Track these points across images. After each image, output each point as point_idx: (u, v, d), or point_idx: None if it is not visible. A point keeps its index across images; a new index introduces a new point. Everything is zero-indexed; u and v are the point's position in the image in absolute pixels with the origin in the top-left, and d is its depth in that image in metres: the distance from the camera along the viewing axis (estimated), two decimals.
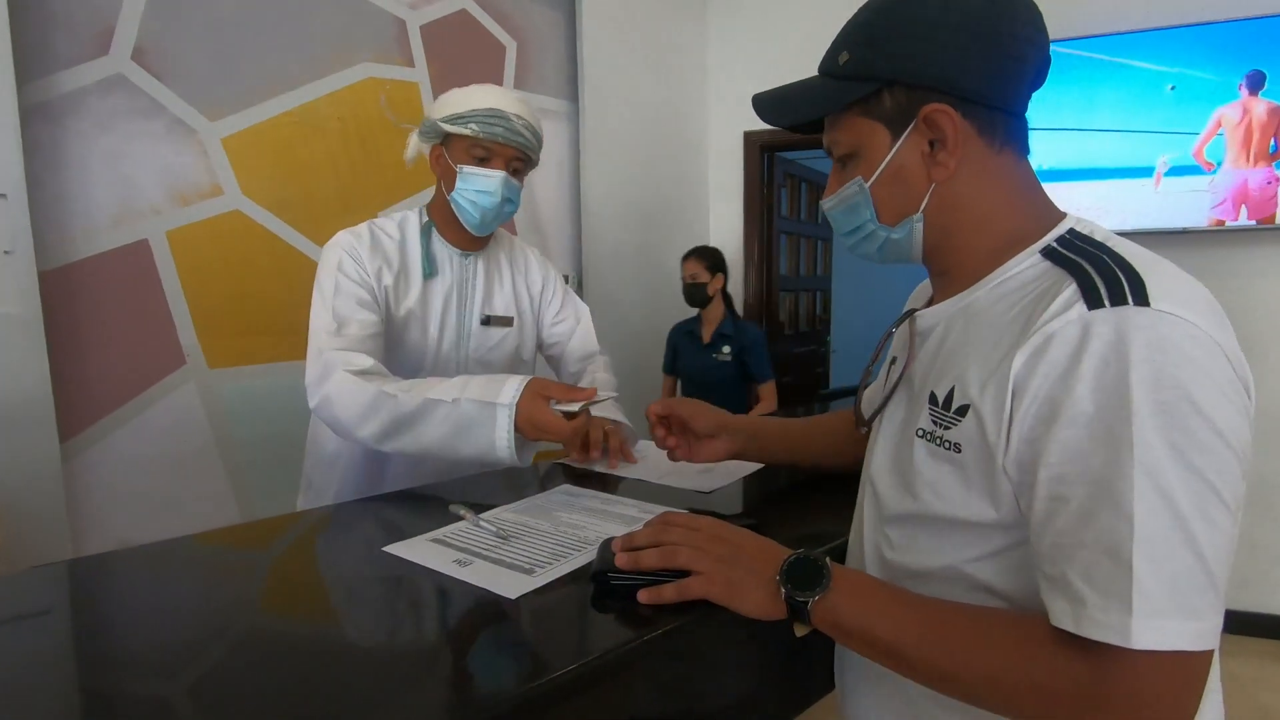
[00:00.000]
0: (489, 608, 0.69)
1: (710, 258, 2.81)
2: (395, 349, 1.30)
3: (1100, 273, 0.55)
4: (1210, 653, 0.50)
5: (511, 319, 1.44)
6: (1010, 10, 0.62)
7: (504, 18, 2.69)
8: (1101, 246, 0.58)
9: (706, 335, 2.85)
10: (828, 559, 0.63)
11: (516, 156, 1.27)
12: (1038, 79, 0.65)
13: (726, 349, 2.79)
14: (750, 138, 3.44)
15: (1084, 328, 0.52)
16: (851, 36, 0.66)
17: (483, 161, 1.25)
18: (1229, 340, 0.53)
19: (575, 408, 1.04)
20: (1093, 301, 0.53)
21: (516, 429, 1.03)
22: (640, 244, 3.21)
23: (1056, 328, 0.53)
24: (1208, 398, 0.50)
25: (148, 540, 0.90)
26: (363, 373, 1.14)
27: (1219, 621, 0.50)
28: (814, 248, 4.04)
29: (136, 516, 1.88)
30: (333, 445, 1.32)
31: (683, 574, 0.68)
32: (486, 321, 1.40)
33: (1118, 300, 0.52)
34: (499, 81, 2.69)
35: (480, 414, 1.04)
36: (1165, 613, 0.48)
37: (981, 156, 0.64)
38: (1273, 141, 2.47)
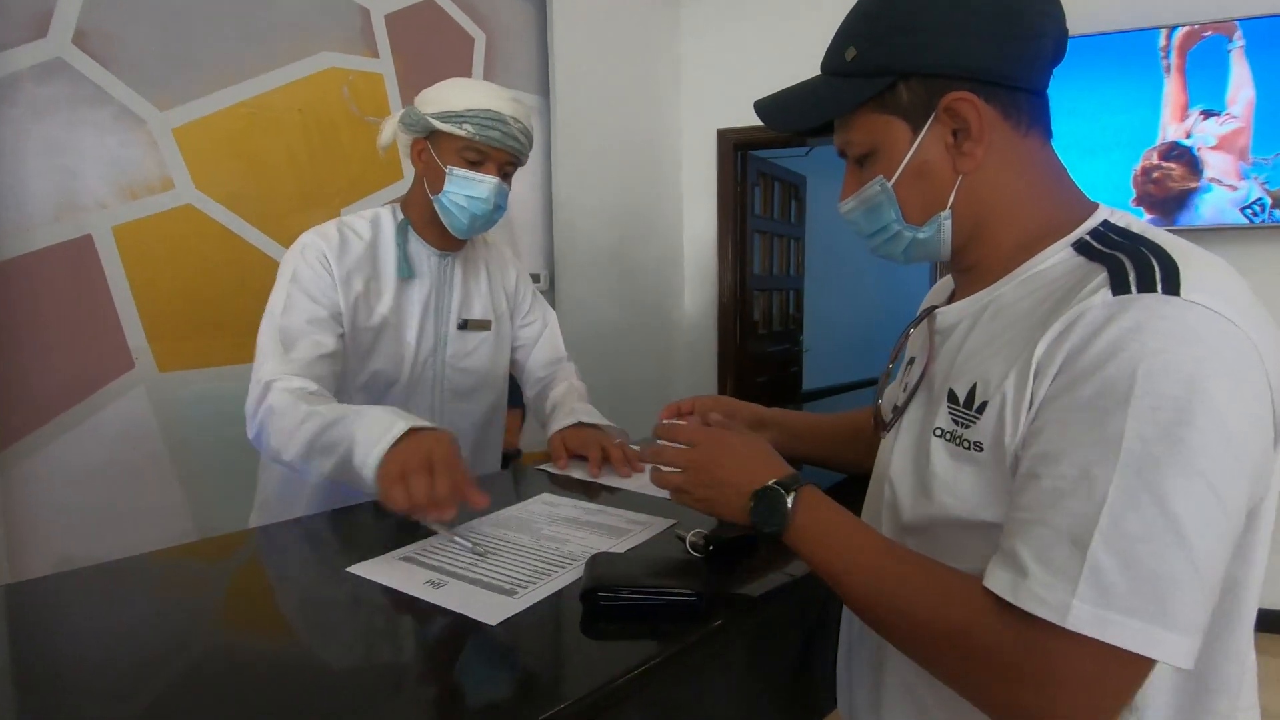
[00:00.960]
0: (466, 635, 0.63)
1: None
2: (369, 358, 1.21)
3: (1134, 261, 0.51)
4: (1149, 664, 0.46)
5: (489, 322, 1.36)
6: None
7: (472, 9, 2.61)
8: (1138, 238, 0.54)
9: None
10: (793, 491, 0.63)
11: (509, 161, 1.21)
12: (1057, 55, 0.61)
13: None
14: (724, 135, 3.40)
15: (1107, 314, 0.49)
16: (857, 30, 0.62)
17: (474, 165, 1.17)
18: (1269, 343, 0.49)
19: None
20: (1119, 288, 0.50)
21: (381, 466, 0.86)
22: (613, 243, 3.15)
23: (1079, 312, 0.50)
24: (1226, 400, 0.45)
25: (94, 558, 0.82)
26: (299, 391, 1.04)
27: (1197, 642, 0.45)
28: (787, 246, 4.02)
29: (81, 533, 1.76)
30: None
31: (675, 590, 0.64)
32: (464, 326, 1.32)
33: (1146, 288, 0.49)
34: (467, 75, 2.61)
35: (374, 428, 0.90)
36: (1132, 610, 0.45)
37: (1008, 142, 0.60)
38: None
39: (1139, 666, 0.46)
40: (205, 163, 1.98)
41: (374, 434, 0.89)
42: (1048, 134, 0.62)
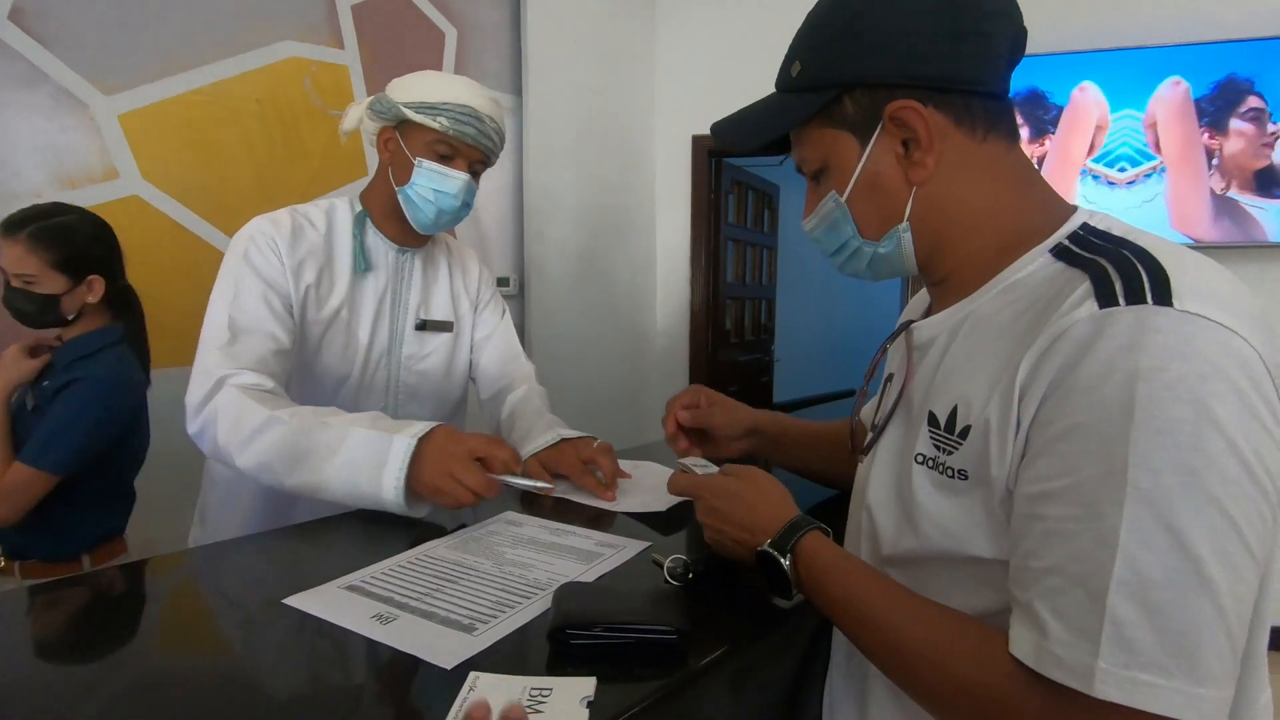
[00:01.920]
0: (417, 680, 0.55)
1: (63, 246, 1.35)
2: (318, 355, 1.13)
3: (1118, 268, 0.47)
4: None
5: (450, 324, 1.28)
6: None
7: (443, 3, 2.53)
8: (1120, 241, 0.51)
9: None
10: (789, 556, 0.62)
11: (480, 159, 1.16)
12: (1014, 53, 0.58)
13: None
14: (699, 141, 3.36)
15: (1094, 329, 0.45)
16: (801, 45, 0.61)
17: (445, 159, 1.12)
18: (1266, 344, 0.44)
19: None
20: (1105, 299, 0.45)
21: (411, 479, 0.86)
22: (585, 247, 3.08)
23: (1063, 328, 0.46)
24: (1236, 418, 0.41)
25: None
26: (255, 389, 0.97)
27: (1230, 693, 0.41)
28: (760, 255, 3.99)
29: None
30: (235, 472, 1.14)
31: (653, 627, 0.58)
32: (422, 326, 1.24)
33: (1135, 299, 0.44)
34: (437, 70, 2.53)
35: (370, 448, 0.88)
36: (1163, 669, 0.40)
37: (963, 149, 0.57)
38: None
39: None
40: (154, 152, 1.87)
41: (376, 455, 0.87)
42: (1012, 137, 0.59)
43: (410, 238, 1.22)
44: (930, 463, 0.55)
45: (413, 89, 1.11)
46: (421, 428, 0.90)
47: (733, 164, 3.57)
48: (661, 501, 0.97)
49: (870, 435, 0.66)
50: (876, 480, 0.62)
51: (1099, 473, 0.43)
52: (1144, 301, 0.44)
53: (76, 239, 1.34)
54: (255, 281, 1.06)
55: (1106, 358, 0.44)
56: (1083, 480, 0.43)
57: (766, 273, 4.10)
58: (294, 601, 0.67)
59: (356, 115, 1.16)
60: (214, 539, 1.12)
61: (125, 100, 1.82)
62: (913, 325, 0.64)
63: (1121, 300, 0.45)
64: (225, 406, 0.96)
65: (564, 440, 1.12)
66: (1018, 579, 0.47)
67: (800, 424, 1.01)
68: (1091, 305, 0.46)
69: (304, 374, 1.13)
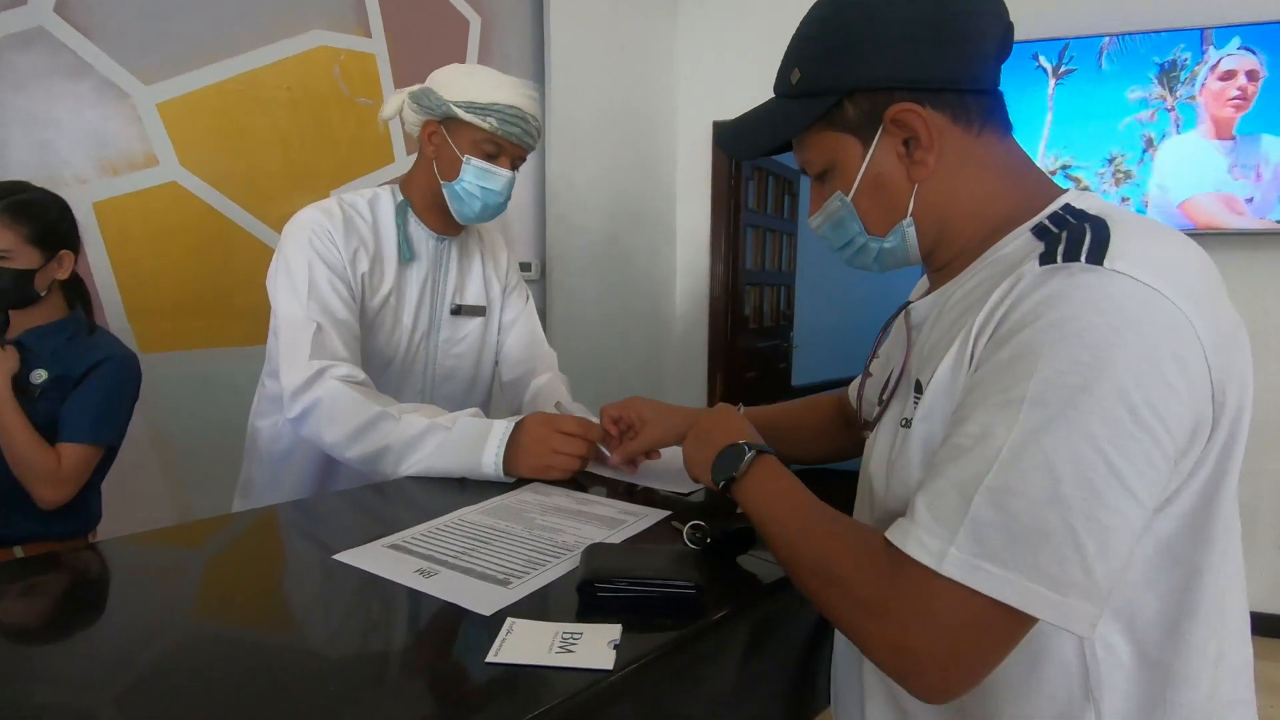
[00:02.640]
0: (461, 626, 0.61)
1: (37, 220, 1.33)
2: (368, 339, 1.19)
3: (1070, 235, 0.51)
4: (1031, 622, 0.47)
5: (483, 308, 1.34)
6: None
7: None
8: (1086, 215, 0.54)
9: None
10: (755, 450, 0.69)
11: (521, 156, 1.22)
12: (1003, 50, 0.61)
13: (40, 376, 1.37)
14: (720, 127, 3.38)
15: (1033, 283, 0.50)
16: (800, 52, 0.64)
17: (490, 157, 1.18)
18: (1206, 315, 0.48)
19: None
20: (1047, 258, 0.51)
21: (509, 461, 0.99)
22: (605, 233, 3.12)
23: (1011, 284, 0.51)
24: (1134, 368, 0.45)
25: None
26: (359, 385, 1.06)
27: (1080, 604, 0.45)
28: (779, 241, 4.01)
29: None
30: (283, 444, 1.20)
31: (673, 582, 0.63)
32: (457, 311, 1.30)
33: (1071, 257, 0.49)
34: (462, 57, 2.57)
35: (474, 431, 1.01)
36: (1001, 561, 0.46)
37: (960, 145, 0.60)
38: None
39: (1014, 619, 0.47)
40: (190, 140, 1.93)
41: (478, 438, 1.00)
42: (1006, 128, 0.62)
43: (448, 227, 1.27)
44: (905, 422, 0.60)
45: (462, 87, 1.15)
46: (514, 419, 1.02)
47: None
48: (685, 485, 1.01)
49: (877, 410, 0.69)
50: (877, 450, 0.66)
51: (1000, 401, 0.48)
52: (1078, 260, 0.49)
53: (49, 214, 1.34)
54: (325, 270, 1.12)
55: (1033, 306, 0.49)
56: (987, 408, 0.49)
57: (786, 259, 4.11)
58: (343, 557, 0.72)
59: (397, 104, 1.21)
60: (258, 505, 1.20)
61: (164, 90, 1.88)
62: (910, 306, 0.68)
63: (1060, 258, 0.50)
64: (331, 400, 1.04)
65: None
66: (920, 486, 0.52)
67: (764, 415, 0.98)
68: (1034, 264, 0.51)
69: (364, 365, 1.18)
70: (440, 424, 1.02)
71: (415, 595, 0.65)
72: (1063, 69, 2.50)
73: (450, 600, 0.63)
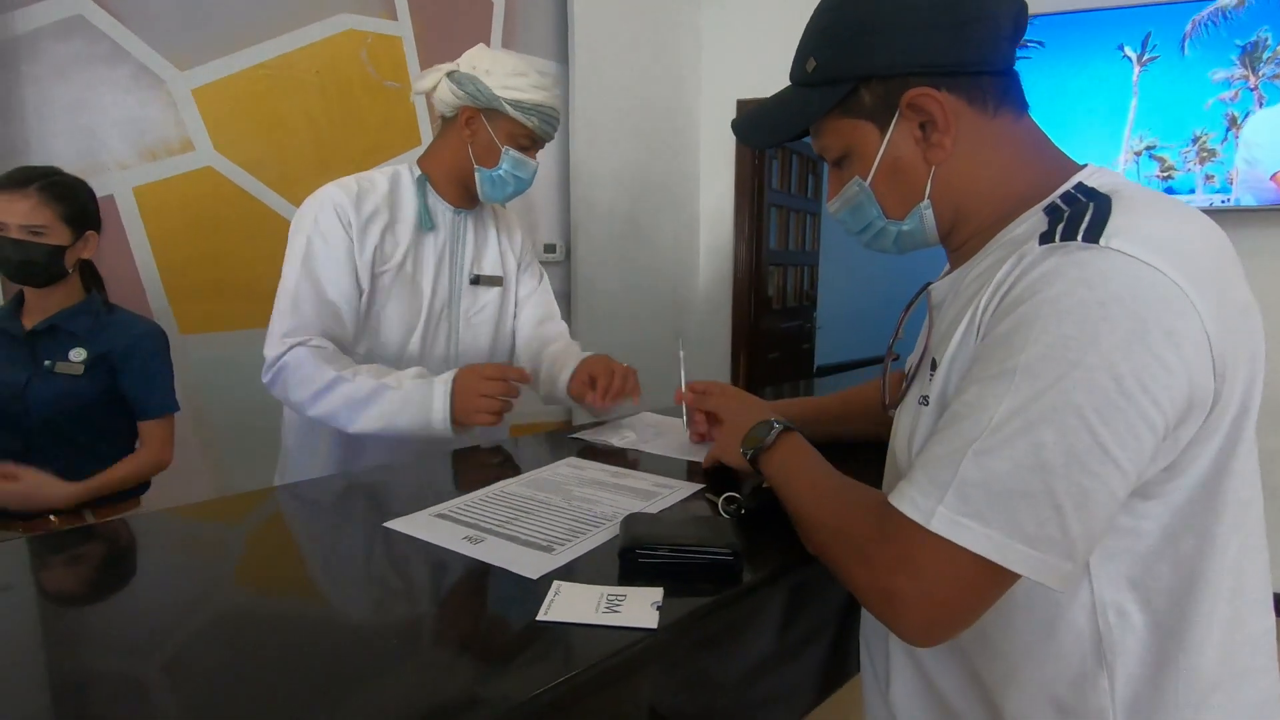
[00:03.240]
0: (509, 588, 0.63)
1: (71, 201, 1.39)
2: (385, 308, 1.24)
3: (1072, 214, 0.53)
4: (1011, 576, 0.50)
5: (500, 278, 1.40)
6: None
7: None
8: (1095, 192, 0.55)
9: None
10: (782, 426, 0.75)
11: (543, 146, 1.31)
12: (1017, 31, 0.61)
13: (80, 355, 1.42)
14: (744, 106, 3.36)
15: (1032, 261, 0.52)
16: (814, 41, 0.64)
17: (524, 149, 1.26)
18: (1206, 290, 0.49)
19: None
20: (1046, 237, 0.52)
21: (454, 412, 1.09)
22: (629, 213, 3.12)
23: (1011, 265, 0.53)
24: (1121, 342, 0.47)
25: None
26: (319, 349, 1.15)
27: (1056, 560, 0.48)
28: (803, 221, 3.98)
29: None
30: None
31: (713, 550, 0.65)
32: (476, 281, 1.36)
33: (1068, 235, 0.51)
34: (486, 39, 2.58)
35: (420, 391, 1.10)
36: (983, 519, 0.49)
37: (976, 126, 0.61)
38: None
39: (994, 572, 0.49)
40: (224, 124, 1.97)
41: (424, 398, 1.09)
42: (1022, 108, 0.63)
43: (466, 201, 1.32)
44: (924, 400, 0.62)
45: (509, 84, 1.21)
46: (452, 372, 1.12)
47: None
48: (685, 452, 1.06)
49: (903, 390, 0.71)
50: (900, 430, 0.67)
51: (995, 372, 0.50)
52: (1074, 239, 0.50)
53: (81, 196, 1.41)
54: (323, 248, 1.17)
55: (1030, 283, 0.51)
56: (983, 379, 0.51)
57: (810, 239, 4.09)
58: (394, 525, 0.76)
59: (434, 80, 1.25)
60: (296, 475, 1.25)
61: (198, 75, 1.92)
62: (930, 287, 0.69)
63: (1057, 238, 0.51)
64: (295, 365, 1.13)
65: (587, 358, 1.30)
66: (923, 452, 0.55)
67: (815, 403, 1.05)
68: (1034, 244, 0.52)
69: (375, 326, 1.24)
70: (388, 384, 1.10)
71: (464, 560, 0.68)
72: (1146, 57, 2.57)
73: (499, 564, 0.66)
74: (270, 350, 1.15)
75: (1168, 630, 0.55)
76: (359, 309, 1.22)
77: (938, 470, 0.51)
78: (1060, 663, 0.57)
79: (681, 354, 1.06)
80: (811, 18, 0.65)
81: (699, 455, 1.04)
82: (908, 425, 0.65)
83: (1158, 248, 0.49)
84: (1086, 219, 0.51)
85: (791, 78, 0.68)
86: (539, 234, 2.83)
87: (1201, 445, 0.52)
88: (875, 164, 0.63)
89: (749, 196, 3.43)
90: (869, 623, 0.75)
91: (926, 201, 0.63)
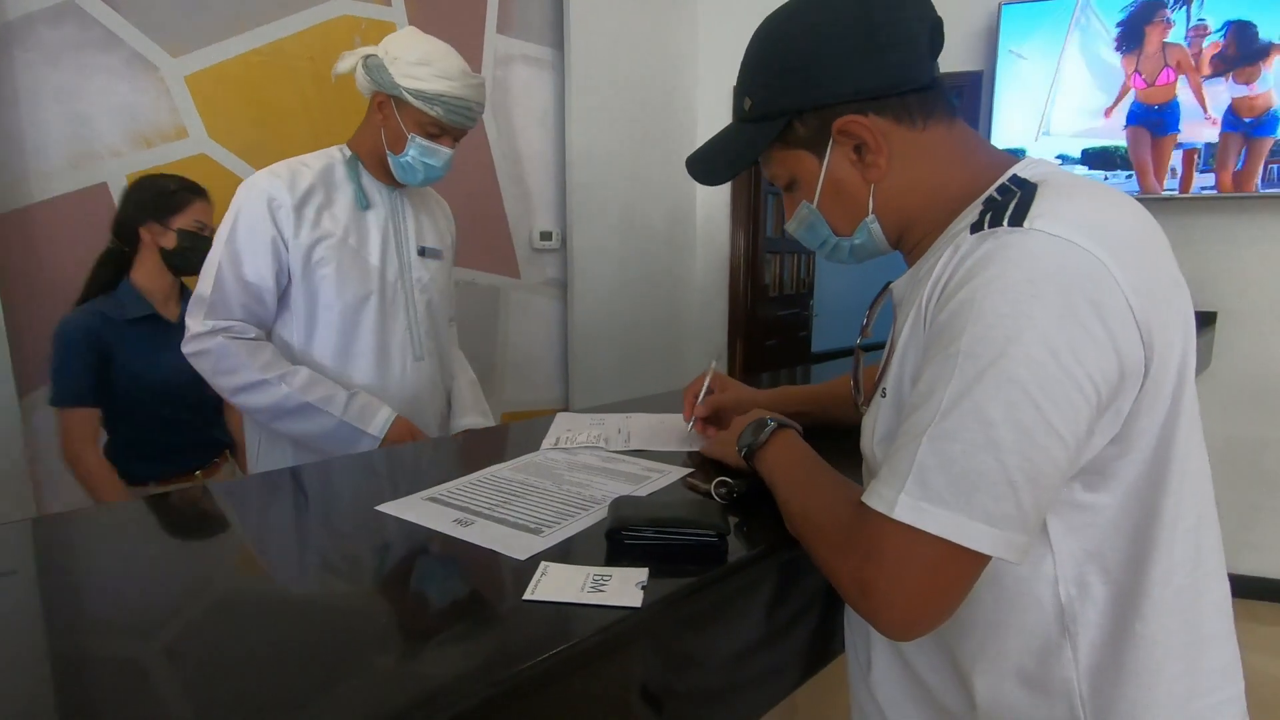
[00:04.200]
0: (497, 569, 0.65)
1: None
2: (335, 280, 1.29)
3: (999, 204, 0.56)
4: (978, 559, 0.51)
5: (441, 251, 1.47)
6: (879, 1, 0.62)
7: None
8: (1024, 181, 0.58)
9: (174, 315, 1.58)
10: (776, 424, 0.78)
11: (463, 133, 1.33)
12: (934, 45, 0.64)
13: None
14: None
15: (967, 250, 0.55)
16: (747, 82, 0.69)
17: (434, 137, 1.29)
18: (1128, 264, 0.52)
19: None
20: (976, 227, 0.55)
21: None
22: (626, 200, 3.12)
23: (948, 256, 0.56)
24: (1054, 318, 0.49)
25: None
26: (245, 343, 1.23)
27: (1014, 535, 0.50)
28: None
29: None
30: None
31: (701, 531, 0.67)
32: (422, 253, 1.41)
33: (996, 223, 0.54)
34: (480, 26, 2.56)
35: (350, 435, 1.24)
36: (943, 502, 0.50)
37: (907, 141, 0.64)
38: None
39: (961, 555, 0.51)
40: (218, 111, 1.96)
41: (371, 414, 1.27)
42: (950, 115, 0.66)
43: (395, 180, 1.37)
44: (884, 393, 0.64)
45: (414, 74, 1.24)
46: (389, 418, 1.28)
47: None
48: (679, 444, 1.07)
49: (871, 387, 0.72)
50: (866, 426, 0.69)
51: (941, 358, 0.53)
52: (1001, 225, 0.54)
53: None
54: (246, 234, 1.23)
55: (965, 272, 0.53)
56: (931, 366, 0.54)
57: None
58: (385, 508, 0.77)
59: (351, 64, 1.29)
60: (265, 463, 1.32)
61: (191, 61, 1.91)
62: (891, 285, 0.72)
63: (986, 225, 0.54)
64: (220, 354, 1.22)
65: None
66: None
67: (800, 393, 1.08)
68: (965, 234, 0.56)
69: (327, 301, 1.29)
70: (314, 404, 1.23)
71: (454, 541, 0.69)
72: None
73: (487, 546, 0.67)
74: (192, 324, 1.23)
75: (1125, 600, 0.57)
76: (276, 292, 1.27)
77: (897, 460, 0.53)
78: (1026, 635, 0.59)
79: (714, 365, 1.05)
80: (744, 59, 0.69)
81: (692, 445, 1.06)
82: (872, 420, 0.67)
83: (1076, 225, 0.52)
84: (1012, 206, 0.54)
85: (734, 115, 0.72)
86: (535, 221, 2.83)
87: (1144, 418, 0.55)
88: (818, 188, 0.67)
89: (746, 184, 3.42)
90: (852, 610, 0.76)
91: (871, 216, 0.67)
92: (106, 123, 1.80)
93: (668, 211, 3.38)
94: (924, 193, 0.65)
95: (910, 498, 0.51)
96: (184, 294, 1.61)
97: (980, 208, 0.59)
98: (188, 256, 1.52)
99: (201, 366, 1.24)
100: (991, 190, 0.60)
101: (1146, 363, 0.53)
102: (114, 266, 1.53)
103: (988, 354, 0.50)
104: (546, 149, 2.85)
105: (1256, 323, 2.63)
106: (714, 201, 3.50)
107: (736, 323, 3.52)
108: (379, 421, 1.26)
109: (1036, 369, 0.49)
